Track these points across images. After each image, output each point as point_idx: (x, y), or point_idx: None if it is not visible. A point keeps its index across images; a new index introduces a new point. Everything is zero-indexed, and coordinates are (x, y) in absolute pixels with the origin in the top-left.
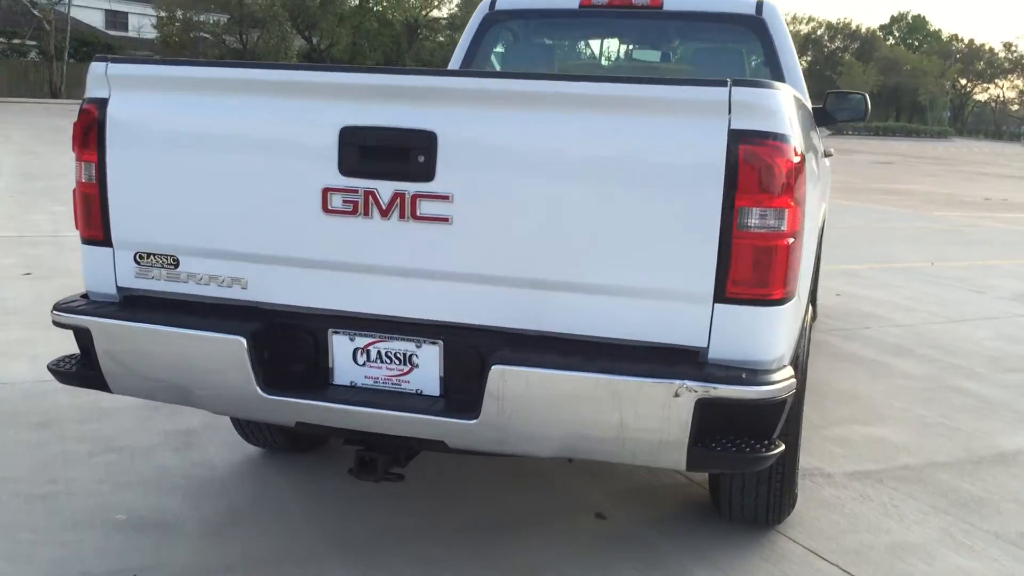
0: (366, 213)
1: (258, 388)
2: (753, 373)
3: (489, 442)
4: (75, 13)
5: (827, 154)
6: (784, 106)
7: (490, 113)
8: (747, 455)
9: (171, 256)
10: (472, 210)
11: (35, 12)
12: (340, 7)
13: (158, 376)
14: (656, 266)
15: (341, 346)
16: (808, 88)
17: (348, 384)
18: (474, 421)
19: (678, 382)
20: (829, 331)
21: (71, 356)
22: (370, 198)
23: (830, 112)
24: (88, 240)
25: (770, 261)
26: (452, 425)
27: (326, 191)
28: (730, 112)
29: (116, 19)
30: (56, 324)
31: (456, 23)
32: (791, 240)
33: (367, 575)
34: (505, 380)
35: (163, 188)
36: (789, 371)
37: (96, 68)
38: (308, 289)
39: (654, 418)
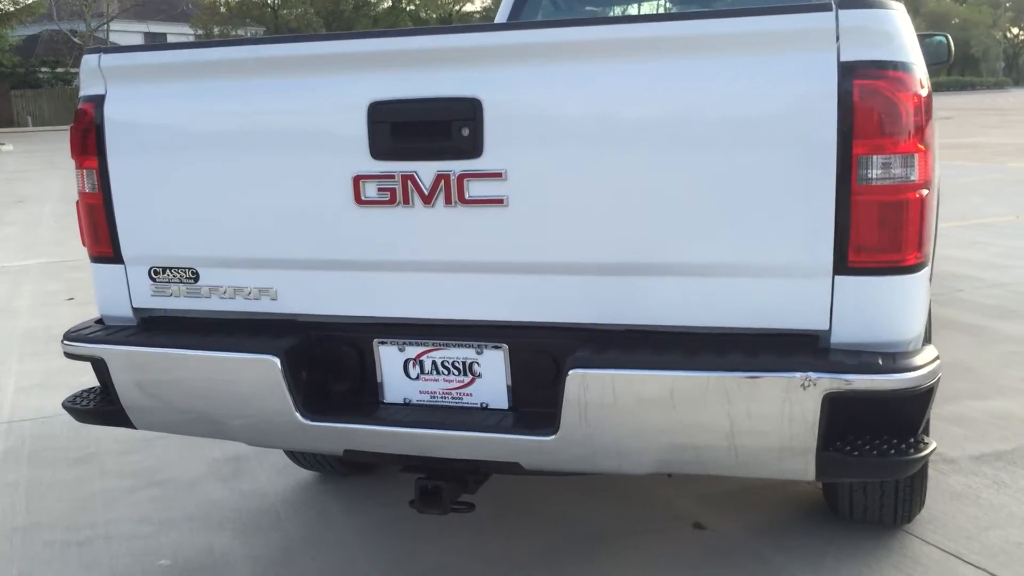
0: (406, 201)
1: (298, 414)
2: (891, 358)
3: (572, 460)
4: (114, 38)
5: None
6: (903, 29)
7: (542, 71)
8: (892, 459)
9: (189, 269)
10: (530, 188)
11: (75, 40)
12: (374, 10)
13: (185, 407)
14: (759, 238)
15: (389, 358)
16: None
17: (402, 402)
18: (552, 437)
19: (800, 375)
20: None
21: (90, 390)
22: (409, 183)
23: None
24: (97, 257)
25: (900, 219)
26: (526, 443)
27: (358, 179)
28: (838, 40)
29: (155, 41)
30: (68, 356)
31: (490, 15)
32: (924, 192)
33: None
34: (586, 386)
35: (174, 192)
36: (932, 352)
37: (89, 62)
38: (347, 295)
39: (773, 420)
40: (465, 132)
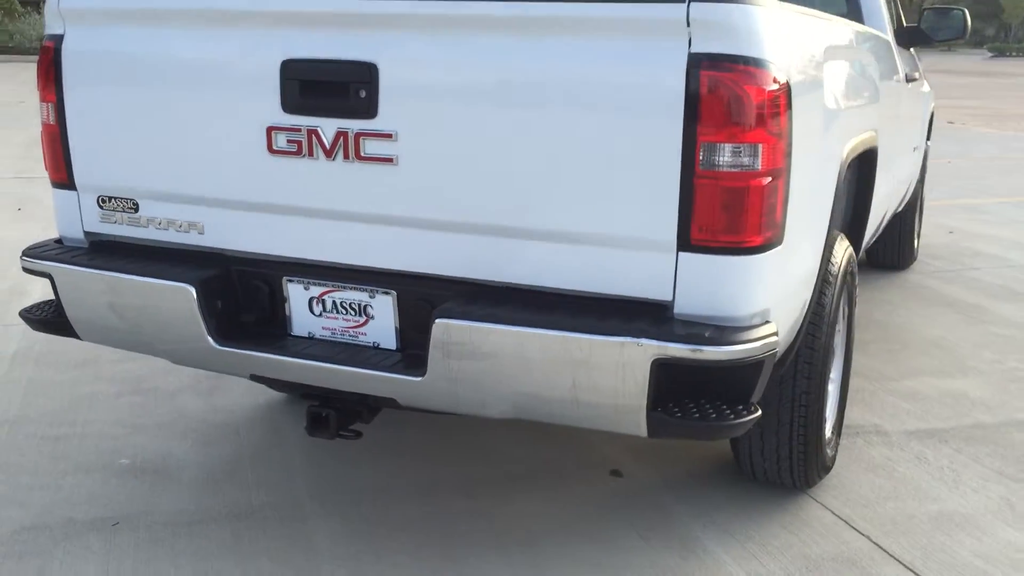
0: (311, 153)
1: (210, 339)
2: (720, 330)
3: (439, 401)
4: None
5: (911, 79)
6: (761, 25)
7: (431, 41)
8: (712, 423)
9: (131, 200)
10: (417, 149)
11: None
12: None
13: (116, 325)
14: (614, 211)
15: (296, 295)
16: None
17: (306, 335)
18: (421, 379)
19: (631, 340)
20: (930, 273)
21: (46, 302)
22: (313, 137)
23: (927, 31)
24: (56, 183)
25: (742, 204)
26: (400, 382)
27: (270, 130)
28: (689, 31)
29: None
30: (25, 270)
31: None
32: (768, 180)
33: (352, 533)
34: (449, 334)
35: (118, 128)
36: (769, 328)
37: (51, 3)
38: (261, 234)
39: (608, 379)
40: (362, 94)
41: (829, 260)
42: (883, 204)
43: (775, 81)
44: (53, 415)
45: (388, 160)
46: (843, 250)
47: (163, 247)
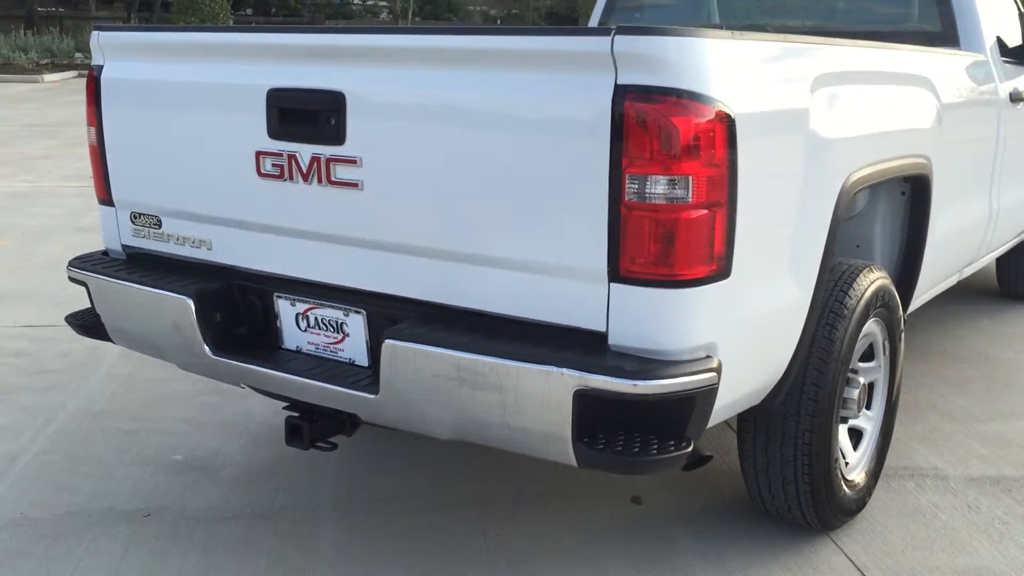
0: (291, 177)
1: (206, 348)
2: (645, 363)
3: (393, 420)
4: None
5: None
6: (692, 56)
7: (391, 72)
8: (634, 457)
9: (155, 216)
10: (378, 174)
11: None
12: None
13: (137, 330)
14: (551, 240)
15: (285, 311)
16: None
17: (295, 349)
18: (375, 396)
19: (554, 369)
20: None
21: (88, 309)
22: (293, 162)
23: None
24: (100, 200)
25: (671, 236)
26: (358, 399)
27: (259, 154)
28: (615, 65)
29: None
30: (70, 279)
31: None
32: (702, 212)
33: (353, 539)
34: (395, 356)
35: (143, 150)
36: (707, 364)
37: (93, 37)
38: (256, 252)
39: (535, 408)
40: (332, 121)
41: (839, 292)
42: (961, 234)
43: (710, 113)
44: (133, 410)
45: (354, 184)
46: (869, 282)
47: (182, 261)
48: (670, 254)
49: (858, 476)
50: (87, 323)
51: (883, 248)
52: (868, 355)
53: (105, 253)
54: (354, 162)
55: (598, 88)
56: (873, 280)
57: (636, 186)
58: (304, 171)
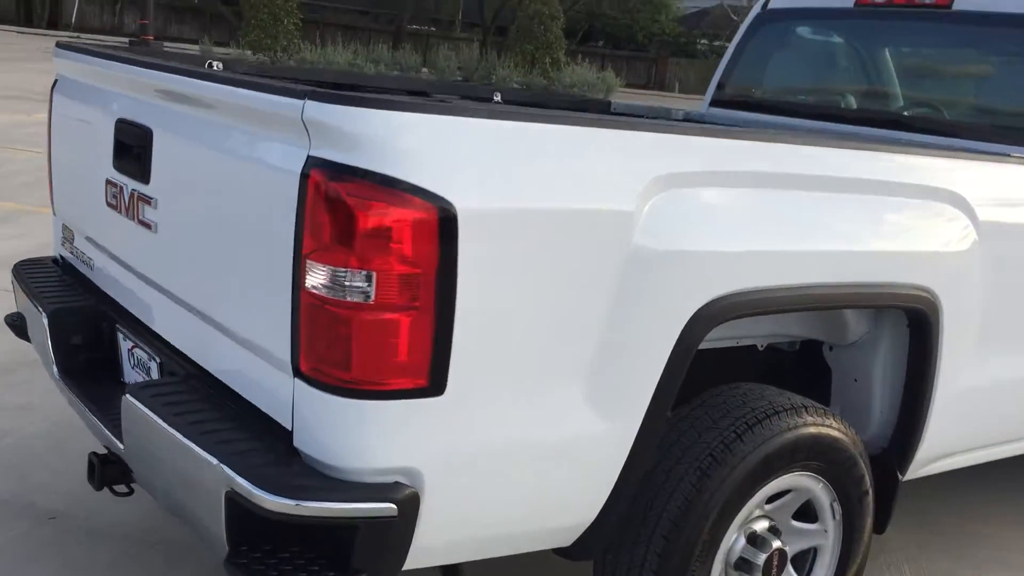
0: (120, 210)
1: (55, 367)
2: (305, 478)
3: (138, 476)
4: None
5: None
6: (401, 136)
7: (174, 112)
8: None
9: (70, 230)
10: (165, 217)
11: (733, 17)
12: None
13: (35, 339)
14: (255, 316)
15: (122, 343)
16: None
17: (129, 383)
18: (123, 447)
19: (213, 460)
20: None
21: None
22: (122, 194)
23: None
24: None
25: (349, 338)
26: (120, 447)
27: (107, 183)
28: (308, 135)
29: None
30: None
31: None
32: (390, 315)
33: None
34: (127, 412)
35: (62, 168)
36: (391, 491)
37: (54, 53)
38: (108, 281)
39: (201, 500)
40: (141, 158)
41: (704, 430)
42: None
43: (411, 202)
44: None
45: (149, 226)
46: (790, 425)
47: (84, 277)
48: (349, 358)
49: None
50: (14, 323)
51: (884, 389)
52: (810, 514)
53: (54, 260)
54: (149, 202)
55: (293, 157)
56: (799, 424)
57: (317, 275)
58: (126, 206)
